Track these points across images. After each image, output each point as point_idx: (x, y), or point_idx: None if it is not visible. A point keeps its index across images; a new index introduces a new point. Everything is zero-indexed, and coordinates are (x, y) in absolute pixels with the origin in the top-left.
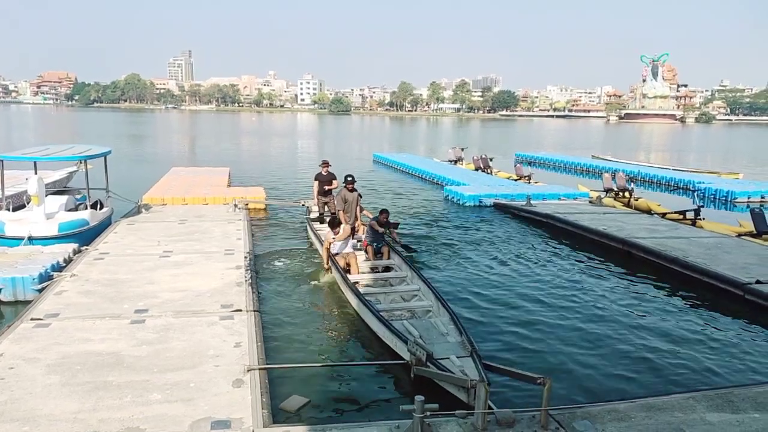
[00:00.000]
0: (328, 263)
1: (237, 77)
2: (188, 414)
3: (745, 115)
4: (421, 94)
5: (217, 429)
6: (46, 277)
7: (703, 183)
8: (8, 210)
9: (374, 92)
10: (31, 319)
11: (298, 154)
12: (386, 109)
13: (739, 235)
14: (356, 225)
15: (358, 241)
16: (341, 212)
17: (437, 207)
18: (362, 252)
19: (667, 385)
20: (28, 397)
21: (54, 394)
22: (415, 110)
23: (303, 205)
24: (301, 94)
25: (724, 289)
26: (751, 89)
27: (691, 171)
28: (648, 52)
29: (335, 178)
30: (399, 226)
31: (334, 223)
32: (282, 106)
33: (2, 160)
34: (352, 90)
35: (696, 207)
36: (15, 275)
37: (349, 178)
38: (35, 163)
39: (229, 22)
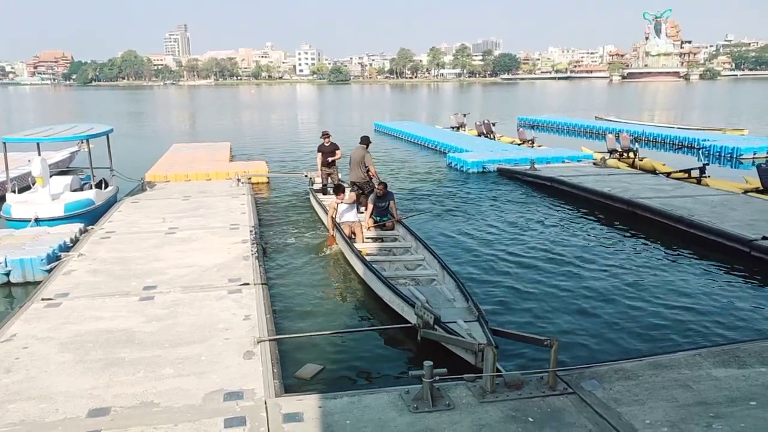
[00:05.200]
0: (333, 231)
1: (234, 50)
2: (201, 387)
3: (750, 69)
4: (421, 61)
5: (230, 400)
6: (54, 258)
7: (708, 140)
8: (14, 192)
9: (373, 60)
10: (42, 299)
11: (298, 126)
12: (386, 77)
13: (746, 191)
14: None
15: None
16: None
17: (440, 174)
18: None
19: (674, 342)
20: (44, 376)
21: (68, 371)
22: (416, 77)
23: (306, 176)
24: (300, 64)
25: (731, 247)
26: (757, 43)
27: (695, 129)
28: (650, 9)
29: (338, 148)
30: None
31: (338, 190)
32: (281, 78)
33: (5, 143)
34: (351, 59)
35: (701, 165)
36: (23, 257)
37: (362, 138)
38: (38, 144)
39: None
